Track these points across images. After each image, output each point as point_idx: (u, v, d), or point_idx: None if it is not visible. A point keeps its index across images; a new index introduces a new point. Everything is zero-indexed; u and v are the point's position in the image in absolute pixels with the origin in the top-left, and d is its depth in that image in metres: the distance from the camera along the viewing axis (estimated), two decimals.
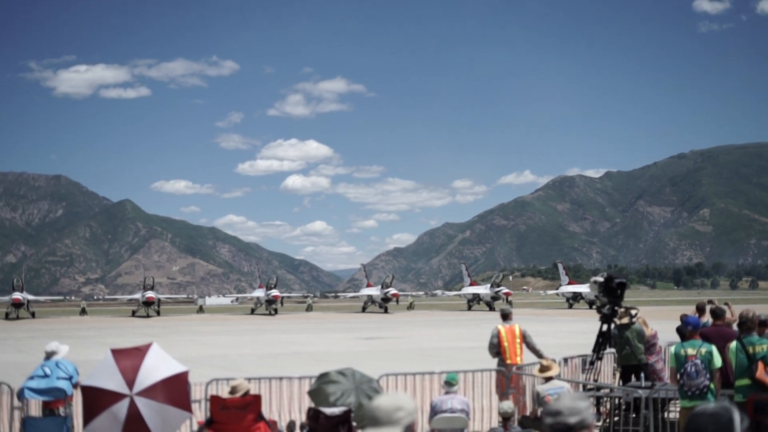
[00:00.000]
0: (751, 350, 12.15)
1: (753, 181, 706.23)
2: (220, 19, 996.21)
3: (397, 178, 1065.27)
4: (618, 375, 18.26)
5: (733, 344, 12.42)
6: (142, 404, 9.53)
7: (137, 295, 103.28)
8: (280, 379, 16.29)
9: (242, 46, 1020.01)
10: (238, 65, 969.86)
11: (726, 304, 17.53)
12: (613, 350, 18.06)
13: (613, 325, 17.18)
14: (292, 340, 49.01)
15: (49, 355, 13.37)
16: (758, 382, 11.99)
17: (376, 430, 4.06)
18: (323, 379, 11.72)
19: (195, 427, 13.23)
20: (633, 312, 17.32)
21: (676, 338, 14.20)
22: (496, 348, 17.37)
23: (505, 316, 17.81)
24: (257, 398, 11.56)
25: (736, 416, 3.85)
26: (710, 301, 19.53)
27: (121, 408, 9.51)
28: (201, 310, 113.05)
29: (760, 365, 12.02)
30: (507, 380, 16.70)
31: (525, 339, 17.45)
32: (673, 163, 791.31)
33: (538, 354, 17.21)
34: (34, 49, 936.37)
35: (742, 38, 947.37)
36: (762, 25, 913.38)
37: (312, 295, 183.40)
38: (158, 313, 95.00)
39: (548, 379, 14.01)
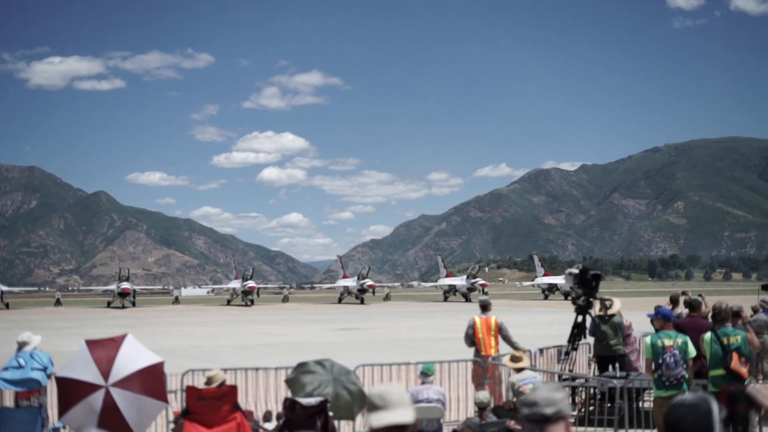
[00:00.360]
0: (725, 341, 12.26)
1: (726, 174, 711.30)
2: (195, 12, 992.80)
3: (374, 170, 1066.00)
4: (593, 365, 18.38)
5: (708, 335, 12.53)
6: (118, 395, 9.50)
7: (112, 287, 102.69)
8: (257, 369, 16.29)
9: (218, 38, 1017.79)
10: (214, 58, 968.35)
11: (700, 295, 17.64)
12: (587, 341, 18.17)
13: (591, 316, 17.26)
14: (269, 331, 48.97)
15: (20, 346, 13.30)
16: (733, 373, 12.11)
17: (389, 413, 4.08)
18: (301, 368, 11.72)
19: (171, 417, 13.21)
20: (608, 303, 17.39)
21: (651, 329, 14.33)
22: (471, 338, 17.41)
23: (484, 308, 17.83)
24: (233, 389, 11.54)
25: (715, 407, 3.90)
26: (684, 293, 19.69)
27: (97, 399, 9.47)
28: (177, 301, 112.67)
29: (735, 356, 12.14)
30: (483, 371, 16.75)
31: (501, 331, 17.45)
32: (648, 156, 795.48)
33: (514, 346, 17.25)
34: (7, 40, 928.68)
35: (716, 34, 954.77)
36: (735, 21, 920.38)
37: (288, 286, 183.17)
38: (134, 304, 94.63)
39: (520, 370, 14.09)
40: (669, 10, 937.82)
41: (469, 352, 17.56)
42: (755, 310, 23.98)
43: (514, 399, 13.55)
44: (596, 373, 17.53)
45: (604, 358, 17.11)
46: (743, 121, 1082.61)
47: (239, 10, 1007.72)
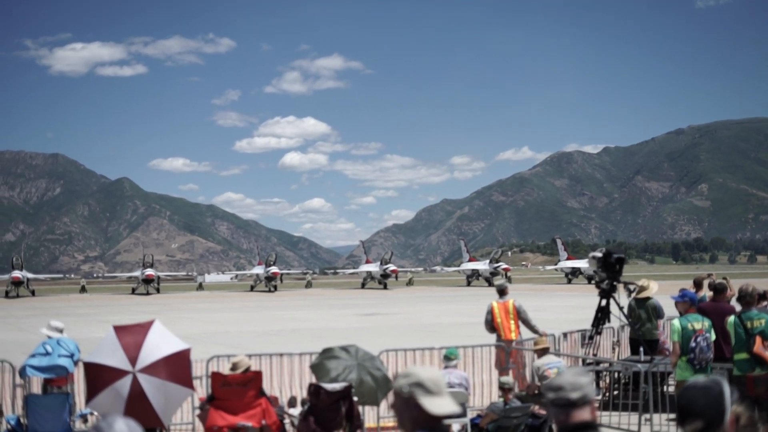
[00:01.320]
0: (749, 325, 12.22)
1: (751, 156, 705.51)
2: None
3: (395, 154, 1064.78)
4: (617, 349, 18.33)
5: (732, 318, 12.49)
6: (145, 381, 9.60)
7: (137, 273, 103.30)
8: (281, 355, 16.36)
9: (239, 23, 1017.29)
10: (235, 42, 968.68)
11: (724, 278, 17.56)
12: (611, 325, 18.12)
13: (630, 297, 17.22)
14: (292, 316, 49.09)
15: (48, 334, 13.42)
16: (756, 357, 12.07)
17: (445, 400, 4.10)
18: (326, 354, 11.79)
19: (197, 403, 13.30)
20: (631, 287, 17.33)
21: (676, 313, 14.26)
22: (491, 324, 17.42)
23: (501, 292, 17.81)
24: (258, 374, 11.63)
25: (726, 389, 3.93)
26: (709, 276, 19.61)
27: (124, 384, 9.58)
28: (200, 287, 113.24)
29: (758, 339, 12.09)
30: (507, 355, 16.76)
31: (519, 314, 17.42)
32: (671, 138, 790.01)
33: (533, 329, 17.26)
34: (29, 27, 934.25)
35: (739, 13, 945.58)
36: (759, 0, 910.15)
37: (311, 271, 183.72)
38: (158, 290, 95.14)
39: (543, 353, 14.09)
40: None
41: (492, 337, 17.57)
42: None
43: (539, 383, 13.56)
44: (627, 356, 17.49)
45: (637, 341, 16.95)
46: None
47: None
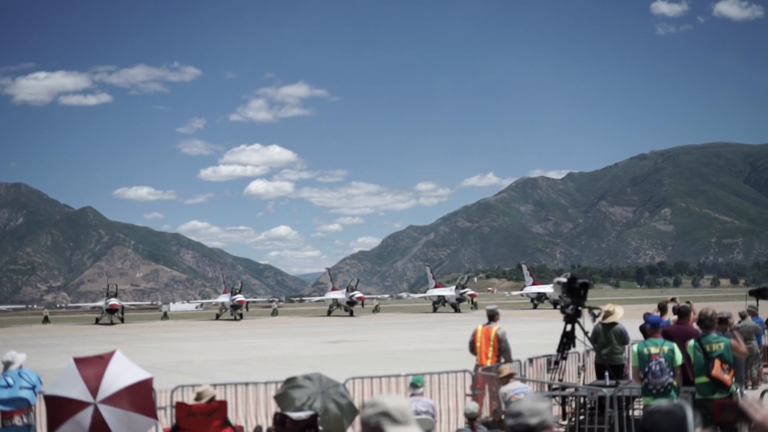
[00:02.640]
0: (708, 348, 12.34)
1: (713, 180, 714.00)
2: (181, 25, 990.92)
3: (361, 181, 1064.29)
4: (583, 374, 18.39)
5: (691, 342, 12.63)
6: (107, 412, 9.47)
7: (100, 303, 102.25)
8: (246, 384, 16.26)
9: (204, 51, 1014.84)
10: (200, 71, 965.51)
11: (688, 302, 17.69)
12: (577, 350, 18.18)
13: (596, 322, 17.30)
14: (258, 345, 48.85)
15: (6, 365, 13.24)
16: (715, 380, 12.18)
17: (410, 429, 4.08)
18: (290, 383, 11.71)
19: None
20: (596, 312, 17.40)
21: (640, 337, 14.36)
22: (472, 345, 17.66)
23: (490, 317, 18.05)
24: (223, 404, 11.54)
25: (689, 413, 3.95)
26: (672, 300, 19.76)
27: (86, 416, 9.45)
28: (165, 316, 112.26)
29: (717, 363, 12.21)
30: (473, 381, 16.77)
31: (500, 343, 17.54)
32: (634, 163, 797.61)
33: (507, 359, 17.34)
34: None
35: (700, 40, 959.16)
36: (719, 27, 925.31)
37: (277, 299, 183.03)
38: (122, 320, 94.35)
39: (508, 380, 14.14)
40: (653, 16, 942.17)
41: (459, 364, 17.59)
42: (743, 316, 24.07)
43: (505, 410, 13.57)
44: (592, 381, 17.55)
45: (602, 366, 17.04)
46: (728, 127, 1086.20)
47: (225, 22, 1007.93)
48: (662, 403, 4.07)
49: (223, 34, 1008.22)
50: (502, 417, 13.34)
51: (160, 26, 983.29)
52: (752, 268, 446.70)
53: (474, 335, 17.65)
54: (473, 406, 13.19)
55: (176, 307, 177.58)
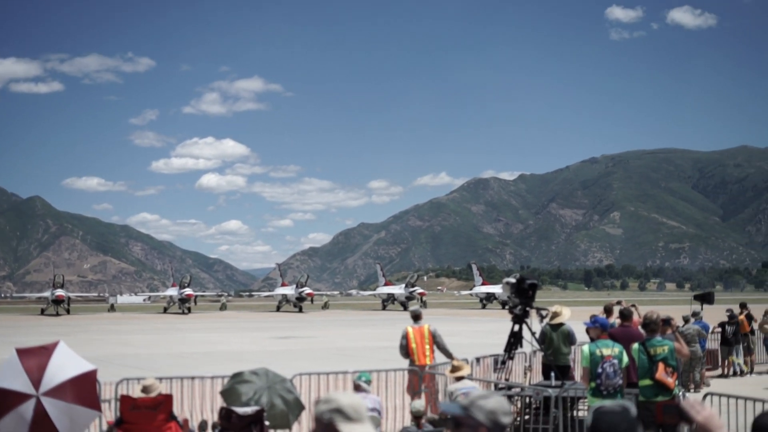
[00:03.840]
0: (652, 351, 12.49)
1: (661, 185, 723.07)
2: (136, 15, 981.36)
3: (314, 177, 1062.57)
4: (529, 374, 18.51)
5: (636, 345, 12.77)
6: (49, 404, 9.34)
7: (46, 293, 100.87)
8: (192, 378, 16.15)
9: (159, 42, 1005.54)
10: (154, 62, 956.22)
11: (633, 305, 17.89)
12: (524, 350, 18.30)
13: (544, 323, 17.41)
14: (205, 339, 48.58)
15: None
16: (659, 383, 12.33)
17: (363, 426, 4.09)
18: (236, 378, 11.68)
19: (104, 426, 13.03)
20: (543, 313, 17.53)
21: (587, 338, 14.49)
22: (406, 349, 17.50)
23: (416, 317, 17.95)
24: (168, 398, 11.46)
25: (635, 414, 4.00)
26: (618, 303, 19.96)
27: (28, 408, 9.31)
28: (112, 308, 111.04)
29: (661, 366, 12.36)
30: (419, 380, 16.80)
31: (435, 339, 17.55)
32: (585, 167, 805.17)
33: (448, 354, 17.35)
34: None
35: (652, 46, 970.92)
36: (672, 33, 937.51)
37: (226, 294, 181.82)
38: (68, 311, 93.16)
39: (459, 379, 14.15)
40: (607, 21, 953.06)
41: (406, 362, 17.60)
42: (686, 320, 24.45)
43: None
44: (538, 381, 17.66)
45: (549, 366, 17.15)
46: (678, 133, 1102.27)
47: (180, 14, 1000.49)
48: (608, 403, 4.10)
49: (178, 25, 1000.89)
50: (448, 415, 13.37)
51: (114, 15, 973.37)
52: (698, 273, 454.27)
53: (406, 337, 17.54)
54: (419, 404, 13.22)
55: (123, 299, 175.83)
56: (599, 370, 12.73)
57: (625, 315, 15.39)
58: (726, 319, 27.27)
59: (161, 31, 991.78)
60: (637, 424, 3.97)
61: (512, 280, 17.37)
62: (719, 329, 27.02)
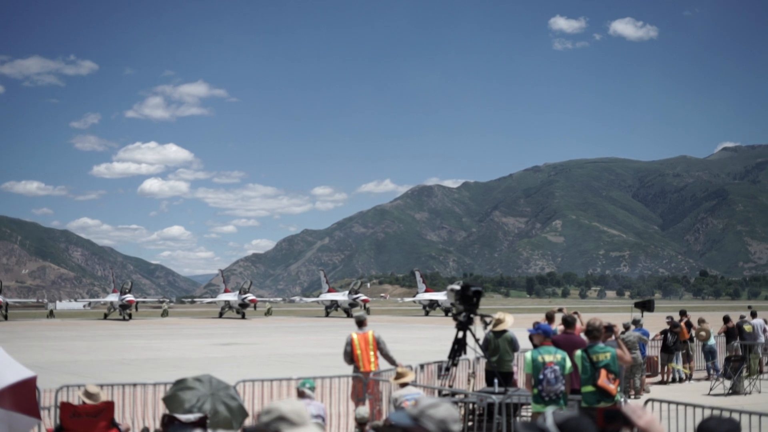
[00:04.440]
0: (595, 358, 12.63)
1: (602, 194, 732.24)
2: (79, 18, 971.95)
3: (258, 184, 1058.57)
4: (473, 381, 18.59)
5: (579, 352, 12.89)
6: None
7: None
8: (134, 385, 15.98)
9: (101, 45, 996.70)
10: (97, 65, 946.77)
11: (575, 313, 18.05)
12: (467, 357, 18.36)
13: (487, 330, 17.45)
14: (147, 345, 48.08)
15: None
16: (601, 389, 12.47)
17: (293, 430, 4.08)
18: (179, 385, 11.52)
19: None
20: (487, 320, 17.59)
21: (530, 345, 14.60)
22: (350, 355, 17.48)
23: (360, 323, 17.94)
24: (110, 405, 11.31)
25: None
26: (560, 310, 20.16)
27: None
28: (51, 314, 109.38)
29: (603, 372, 12.50)
30: (364, 386, 16.79)
31: (378, 346, 17.57)
32: (528, 175, 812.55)
33: (391, 361, 17.37)
34: None
35: (596, 57, 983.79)
36: (614, 45, 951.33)
37: (168, 300, 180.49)
38: (5, 317, 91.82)
39: (404, 386, 14.17)
40: (551, 31, 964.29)
41: (350, 368, 17.59)
42: (627, 327, 24.77)
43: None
44: (482, 388, 17.72)
45: (492, 373, 17.20)
46: (619, 143, 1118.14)
47: (124, 17, 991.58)
48: (558, 410, 4.11)
49: (122, 28, 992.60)
50: (391, 423, 13.38)
51: (56, 17, 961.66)
52: (637, 281, 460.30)
53: (351, 343, 17.53)
54: (364, 410, 13.22)
55: (63, 305, 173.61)
56: (541, 377, 12.84)
57: (568, 322, 15.53)
58: (666, 326, 27.68)
59: (104, 33, 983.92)
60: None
61: (457, 287, 17.39)
62: (661, 336, 27.39)
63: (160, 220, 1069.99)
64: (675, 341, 27.01)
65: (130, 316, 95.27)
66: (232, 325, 78.85)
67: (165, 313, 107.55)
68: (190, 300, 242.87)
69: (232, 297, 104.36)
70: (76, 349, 44.75)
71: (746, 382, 24.17)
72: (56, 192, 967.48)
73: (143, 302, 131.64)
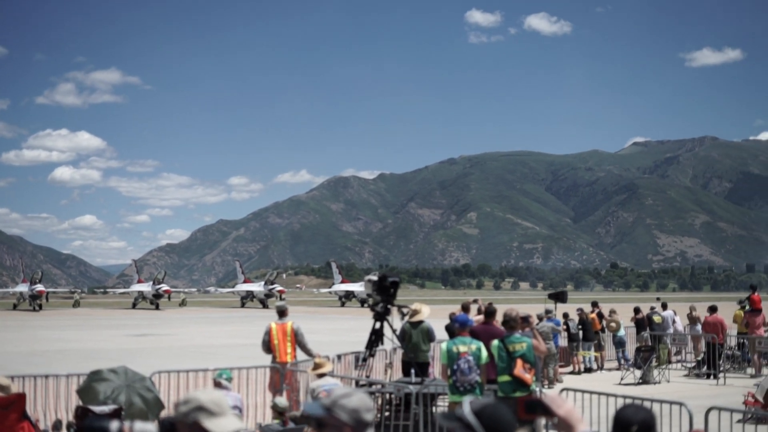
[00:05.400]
0: (511, 348, 12.80)
1: (516, 187, 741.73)
2: None
3: (173, 173, 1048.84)
4: (390, 371, 18.71)
5: (495, 342, 13.04)
6: None
7: None
8: (46, 376, 15.69)
9: (11, 29, 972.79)
10: (6, 49, 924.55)
11: (490, 303, 18.27)
12: (384, 347, 18.45)
13: (404, 321, 17.55)
14: (58, 336, 47.19)
15: None
16: (517, 379, 12.65)
17: (228, 419, 4.07)
18: (94, 376, 11.42)
19: None
20: (404, 311, 17.70)
21: (446, 336, 14.75)
22: (268, 345, 17.46)
23: (281, 313, 17.92)
24: (21, 397, 11.09)
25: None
26: (475, 301, 20.40)
27: None
28: None
29: (519, 362, 12.68)
30: (281, 377, 16.77)
31: (296, 337, 17.55)
32: (444, 167, 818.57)
33: (309, 353, 17.38)
34: None
35: (509, 51, 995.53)
36: (529, 39, 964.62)
37: (79, 290, 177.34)
38: None
39: (321, 376, 14.20)
40: (467, 24, 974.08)
41: (267, 359, 17.55)
42: (540, 318, 25.20)
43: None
44: (399, 378, 17.82)
45: (409, 363, 17.30)
46: (533, 136, 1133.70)
47: (34, 1, 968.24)
48: (479, 399, 4.15)
49: (33, 13, 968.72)
50: (305, 413, 13.37)
51: None
52: (550, 273, 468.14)
53: (269, 333, 17.51)
54: (282, 401, 13.21)
55: None
56: (455, 367, 12.95)
57: (489, 312, 15.67)
58: (574, 316, 28.18)
59: (14, 17, 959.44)
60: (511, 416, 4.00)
61: (374, 277, 17.49)
62: (564, 326, 27.72)
63: (71, 209, 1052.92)
64: (579, 329, 27.48)
65: (40, 306, 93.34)
66: (146, 316, 77.89)
67: (77, 304, 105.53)
68: (102, 290, 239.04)
69: (146, 287, 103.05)
70: None
71: (656, 372, 24.77)
72: None
73: (54, 293, 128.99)
